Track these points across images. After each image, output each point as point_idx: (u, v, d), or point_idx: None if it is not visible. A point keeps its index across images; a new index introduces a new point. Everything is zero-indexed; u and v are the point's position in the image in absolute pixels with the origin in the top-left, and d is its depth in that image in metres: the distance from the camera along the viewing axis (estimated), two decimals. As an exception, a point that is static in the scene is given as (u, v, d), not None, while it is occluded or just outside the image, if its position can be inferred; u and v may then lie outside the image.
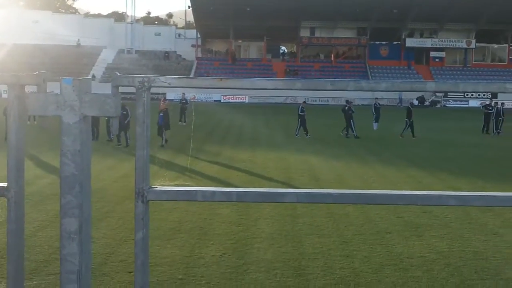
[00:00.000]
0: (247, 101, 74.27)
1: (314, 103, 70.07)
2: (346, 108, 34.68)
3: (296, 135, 33.92)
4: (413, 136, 33.74)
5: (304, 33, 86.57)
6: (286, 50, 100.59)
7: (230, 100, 74.41)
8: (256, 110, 59.54)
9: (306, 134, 33.75)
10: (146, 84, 2.38)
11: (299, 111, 34.74)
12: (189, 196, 2.54)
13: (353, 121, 34.25)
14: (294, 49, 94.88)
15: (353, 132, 34.06)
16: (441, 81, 2.56)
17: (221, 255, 11.09)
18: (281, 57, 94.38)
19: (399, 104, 73.18)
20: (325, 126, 39.98)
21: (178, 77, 2.47)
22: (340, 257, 11.08)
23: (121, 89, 2.41)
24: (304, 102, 37.12)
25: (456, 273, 10.29)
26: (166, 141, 28.08)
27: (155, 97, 41.70)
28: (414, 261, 10.88)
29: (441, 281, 9.89)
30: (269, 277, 9.96)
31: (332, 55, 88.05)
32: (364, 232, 12.89)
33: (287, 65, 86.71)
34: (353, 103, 36.95)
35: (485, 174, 21.74)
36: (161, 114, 28.24)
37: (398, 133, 34.82)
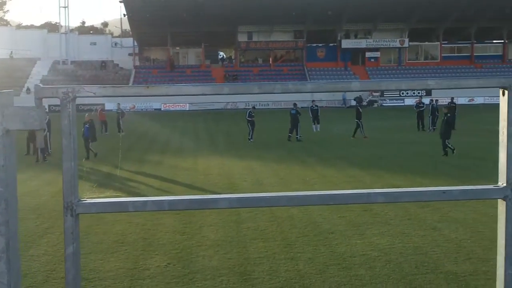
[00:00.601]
0: (187, 109, 73.98)
1: (267, 107, 70.60)
2: (294, 111, 34.92)
3: (250, 140, 33.72)
4: (353, 136, 34.19)
5: (242, 38, 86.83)
6: (224, 55, 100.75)
7: (171, 108, 73.97)
8: (197, 117, 59.41)
9: (250, 138, 33.77)
10: (70, 94, 2.34)
11: (247, 116, 34.63)
12: (120, 208, 2.50)
13: (299, 124, 34.57)
14: (233, 54, 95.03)
15: (297, 135, 34.26)
16: (364, 80, 2.60)
17: (166, 265, 11.02)
18: (220, 62, 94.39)
19: (343, 105, 74.29)
20: (267, 130, 40.13)
21: (104, 87, 2.43)
22: (285, 260, 11.15)
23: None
24: (254, 107, 36.95)
25: (397, 269, 10.48)
26: (95, 154, 27.33)
27: (93, 108, 41.18)
28: (357, 260, 11.03)
29: (383, 277, 10.06)
30: (215, 285, 9.95)
31: (271, 59, 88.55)
32: (307, 233, 13.00)
33: (226, 70, 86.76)
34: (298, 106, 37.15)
35: (423, 170, 22.20)
36: (86, 125, 27.57)
37: (343, 134, 35.23)
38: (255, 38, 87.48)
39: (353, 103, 75.27)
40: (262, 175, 21.92)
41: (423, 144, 31.18)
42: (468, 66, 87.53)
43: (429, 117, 38.87)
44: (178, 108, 74.07)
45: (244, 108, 72.61)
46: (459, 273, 10.19)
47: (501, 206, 2.55)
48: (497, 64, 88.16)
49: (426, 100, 43.46)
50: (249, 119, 34.37)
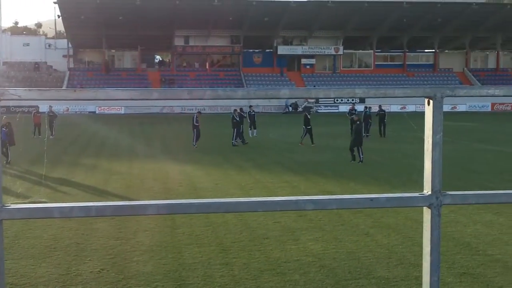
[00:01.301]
0: (123, 112, 73.19)
1: (214, 112, 70.58)
2: (235, 115, 35.08)
3: (194, 145, 33.49)
4: (312, 143, 33.83)
5: (179, 42, 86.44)
6: (161, 59, 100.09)
7: (106, 111, 73.03)
8: (132, 120, 58.85)
9: (194, 144, 33.57)
10: None
11: (194, 121, 34.36)
12: (45, 213, 2.47)
13: (237, 129, 34.66)
14: (169, 58, 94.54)
15: (233, 139, 34.33)
16: (293, 88, 2.66)
17: (99, 270, 10.90)
18: (156, 66, 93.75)
19: (286, 111, 74.92)
20: (205, 135, 40.06)
21: (29, 89, 2.40)
22: (220, 265, 11.18)
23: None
24: (199, 112, 36.70)
25: (331, 274, 10.65)
26: (8, 161, 25.86)
27: (26, 110, 40.29)
28: (291, 265, 11.16)
29: (317, 283, 10.21)
30: (149, 290, 9.91)
31: (207, 64, 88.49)
32: (242, 239, 13.07)
33: (163, 74, 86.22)
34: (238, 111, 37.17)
35: (356, 176, 22.58)
36: (4, 128, 26.09)
37: (279, 140, 35.46)
38: (191, 43, 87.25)
39: (290, 109, 76.13)
40: (198, 180, 21.90)
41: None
42: (401, 74, 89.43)
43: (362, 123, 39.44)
44: (113, 111, 73.19)
45: (181, 113, 72.69)
46: (391, 278, 10.43)
47: (426, 213, 2.64)
48: (429, 73, 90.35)
49: (360, 107, 44.08)
50: (196, 124, 34.11)
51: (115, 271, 10.87)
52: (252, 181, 21.67)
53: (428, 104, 2.59)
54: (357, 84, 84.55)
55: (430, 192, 2.62)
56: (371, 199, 2.62)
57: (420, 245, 10.01)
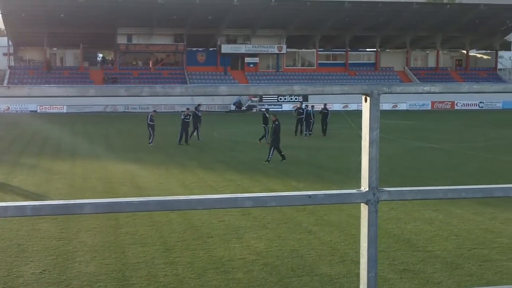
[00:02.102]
0: (65, 111, 72.00)
1: (170, 111, 69.80)
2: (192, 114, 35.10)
3: (150, 144, 33.07)
4: (268, 143, 33.64)
5: (121, 40, 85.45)
6: (104, 57, 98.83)
7: (48, 110, 71.71)
8: (75, 119, 57.98)
9: (150, 142, 33.21)
10: None
11: (148, 120, 33.92)
12: None
13: (185, 128, 34.60)
14: (112, 56, 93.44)
15: (179, 138, 34.18)
16: (231, 85, 2.67)
17: (41, 272, 10.75)
18: (99, 64, 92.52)
19: (237, 109, 74.96)
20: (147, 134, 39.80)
21: None
22: (164, 264, 11.16)
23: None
24: (155, 111, 36.29)
25: (274, 272, 10.74)
26: None
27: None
28: (235, 264, 11.21)
29: (260, 281, 10.28)
30: (92, 291, 9.83)
31: (151, 62, 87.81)
32: (186, 238, 13.07)
33: (106, 73, 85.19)
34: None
35: (299, 174, 22.80)
36: None
37: (223, 138, 35.46)
38: (134, 41, 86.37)
39: (233, 107, 76.24)
40: (142, 179, 21.77)
41: (299, 148, 31.96)
42: (343, 73, 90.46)
43: (303, 122, 39.78)
44: (55, 110, 71.96)
45: (124, 111, 71.98)
46: (333, 275, 10.58)
47: (364, 210, 2.66)
48: (370, 72, 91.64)
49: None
50: (151, 123, 33.70)
51: (57, 272, 10.74)
52: (196, 180, 21.66)
53: (366, 101, 2.62)
54: (300, 83, 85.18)
55: (367, 189, 2.65)
56: (309, 196, 2.64)
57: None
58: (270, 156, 26.00)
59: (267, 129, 34.32)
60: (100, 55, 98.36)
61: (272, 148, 26.27)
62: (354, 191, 2.69)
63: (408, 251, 12.08)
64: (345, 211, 15.28)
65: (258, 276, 10.49)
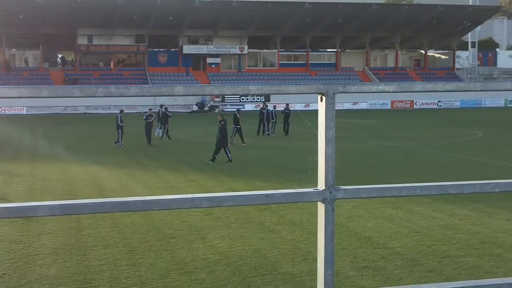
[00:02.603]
0: (25, 112, 70.96)
1: (132, 111, 69.07)
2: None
3: (120, 145, 32.77)
4: (243, 142, 33.64)
5: (82, 41, 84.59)
6: (64, 58, 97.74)
7: (7, 112, 70.54)
8: (35, 121, 57.20)
9: (117, 143, 32.91)
10: None
11: (118, 121, 33.57)
12: None
13: (148, 129, 34.57)
14: (73, 57, 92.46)
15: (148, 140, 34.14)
16: (188, 85, 2.64)
17: (1, 276, 10.63)
18: (59, 65, 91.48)
19: (200, 110, 74.76)
20: (111, 136, 39.51)
21: None
22: (126, 266, 11.12)
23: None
24: (122, 111, 35.90)
25: (237, 271, 10.79)
26: None
27: None
28: (198, 264, 11.23)
29: (223, 280, 10.32)
30: (54, 293, 9.75)
31: (112, 63, 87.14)
32: (149, 239, 13.04)
33: (66, 73, 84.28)
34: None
35: (262, 174, 22.88)
36: None
37: (185, 139, 35.37)
38: (95, 41, 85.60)
39: (195, 108, 76.04)
40: (104, 181, 21.63)
41: (262, 148, 32.05)
42: (304, 73, 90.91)
43: (264, 122, 39.87)
44: (14, 112, 70.87)
45: (85, 112, 71.26)
46: (296, 273, 10.66)
47: (321, 208, 2.69)
48: (331, 72, 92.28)
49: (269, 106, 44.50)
50: (121, 124, 33.39)
51: (18, 276, 10.63)
52: (159, 180, 21.60)
53: (321, 100, 2.64)
54: (262, 83, 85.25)
55: (323, 187, 2.67)
56: (266, 195, 2.65)
57: (323, 240, 10.14)
58: (229, 155, 26.02)
59: (236, 129, 34.39)
60: (61, 56, 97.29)
61: (225, 148, 26.22)
62: (310, 189, 2.70)
63: (369, 248, 12.24)
64: (307, 209, 15.38)
65: (221, 276, 10.53)
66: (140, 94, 2.51)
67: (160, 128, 38.50)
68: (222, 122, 26.77)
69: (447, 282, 3.19)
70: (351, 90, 2.68)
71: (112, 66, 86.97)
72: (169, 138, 36.10)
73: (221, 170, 24.11)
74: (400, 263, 11.26)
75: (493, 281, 2.99)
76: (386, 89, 2.75)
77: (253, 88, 2.61)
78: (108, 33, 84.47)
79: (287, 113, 40.95)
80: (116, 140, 33.18)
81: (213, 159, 25.82)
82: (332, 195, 2.68)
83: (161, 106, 40.11)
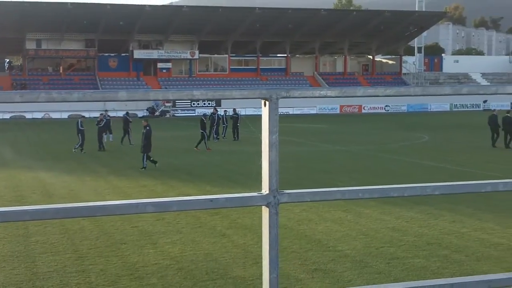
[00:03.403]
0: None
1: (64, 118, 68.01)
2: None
3: (80, 150, 32.25)
4: (197, 147, 33.71)
5: (30, 45, 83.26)
6: (11, 62, 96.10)
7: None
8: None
9: (79, 148, 32.47)
10: None
11: (79, 126, 33.06)
12: None
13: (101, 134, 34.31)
14: (21, 61, 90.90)
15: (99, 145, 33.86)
16: (131, 90, 2.61)
17: None
18: (7, 70, 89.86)
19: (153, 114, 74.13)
20: (61, 141, 38.99)
21: None
22: (76, 273, 11.03)
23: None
24: (83, 116, 35.51)
25: (188, 276, 10.81)
26: None
27: None
28: (149, 269, 11.20)
29: (175, 285, 10.33)
30: (2, 301, 9.62)
31: (61, 68, 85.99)
32: (99, 245, 12.94)
33: (14, 78, 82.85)
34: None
35: (213, 179, 22.89)
36: None
37: (135, 144, 35.16)
38: (44, 46, 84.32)
39: (146, 113, 75.48)
40: (53, 187, 21.35)
41: (213, 153, 32.06)
42: (255, 78, 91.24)
43: (213, 127, 39.65)
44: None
45: (33, 118, 70.03)
46: (247, 277, 10.73)
47: (265, 212, 2.71)
48: (281, 77, 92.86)
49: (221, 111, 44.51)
50: (81, 128, 32.92)
51: (-36, 284, 10.44)
52: (109, 186, 21.42)
53: (265, 105, 2.64)
54: (213, 88, 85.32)
55: (267, 191, 2.68)
56: (211, 200, 2.66)
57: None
58: (145, 162, 25.59)
59: (205, 134, 34.37)
60: (9, 61, 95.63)
61: (145, 154, 25.76)
62: (255, 194, 2.71)
63: (319, 251, 12.39)
64: (258, 213, 15.39)
65: (172, 281, 10.53)
66: (83, 99, 2.47)
67: (107, 134, 38.14)
68: (147, 128, 26.16)
69: (395, 283, 3.27)
70: (294, 95, 2.68)
71: (61, 71, 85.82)
72: (130, 143, 36.18)
73: (173, 175, 24.04)
74: (350, 265, 11.43)
75: (434, 282, 3.05)
76: (328, 94, 2.78)
77: (197, 93, 2.61)
78: (57, 37, 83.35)
79: (235, 117, 41.06)
80: (77, 145, 32.81)
81: (148, 164, 25.49)
82: (276, 199, 2.69)
83: (106, 111, 39.77)
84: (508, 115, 33.02)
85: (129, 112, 39.04)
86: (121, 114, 70.52)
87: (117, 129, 38.20)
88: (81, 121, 33.68)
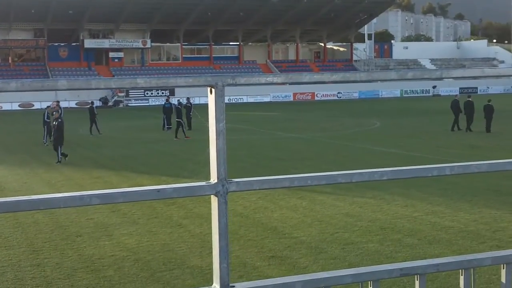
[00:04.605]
0: None
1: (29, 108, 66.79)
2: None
3: (45, 143, 31.63)
4: (185, 136, 33.75)
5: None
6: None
7: None
8: None
9: (45, 141, 31.87)
10: None
11: (45, 117, 32.34)
12: None
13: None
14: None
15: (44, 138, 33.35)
16: (72, 79, 2.51)
17: None
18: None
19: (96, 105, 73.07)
20: (13, 133, 38.29)
21: None
22: (31, 267, 10.93)
23: None
24: (48, 107, 34.62)
25: (145, 267, 10.81)
26: None
27: None
28: (105, 261, 11.16)
29: (132, 277, 10.32)
30: (-45, 298, 9.49)
31: (10, 58, 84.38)
32: (54, 238, 12.83)
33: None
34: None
35: (168, 169, 22.83)
36: None
37: (88, 135, 34.78)
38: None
39: (99, 103, 74.61)
40: (4, 180, 21.03)
41: (167, 143, 31.96)
42: (208, 67, 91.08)
43: (164, 116, 39.28)
44: None
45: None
46: (204, 266, 10.77)
47: (214, 202, 2.67)
48: (234, 65, 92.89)
49: (174, 100, 44.31)
50: (47, 120, 32.25)
51: None
52: (62, 178, 21.19)
53: (211, 92, 2.61)
54: (166, 76, 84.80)
55: (216, 180, 2.65)
56: (158, 190, 2.61)
57: (232, 233, 10.50)
58: (60, 156, 24.80)
59: (182, 122, 34.51)
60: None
61: (59, 147, 24.91)
62: (203, 183, 2.67)
63: (275, 238, 12.51)
64: (214, 203, 15.50)
65: (129, 272, 10.52)
66: (21, 89, 2.40)
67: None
68: (60, 120, 25.31)
69: (348, 269, 3.35)
70: (240, 82, 2.66)
71: (10, 61, 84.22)
72: (99, 132, 37.04)
73: (126, 166, 23.91)
74: (305, 251, 11.57)
75: (384, 267, 3.12)
76: (274, 81, 2.75)
77: (141, 81, 2.56)
78: (5, 27, 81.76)
79: (188, 106, 40.82)
80: (44, 136, 32.26)
81: (59, 160, 24.75)
82: (224, 188, 2.67)
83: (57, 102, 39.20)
84: (470, 99, 34.64)
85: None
86: (73, 104, 70.22)
87: (82, 120, 37.71)
88: (47, 113, 33.06)
